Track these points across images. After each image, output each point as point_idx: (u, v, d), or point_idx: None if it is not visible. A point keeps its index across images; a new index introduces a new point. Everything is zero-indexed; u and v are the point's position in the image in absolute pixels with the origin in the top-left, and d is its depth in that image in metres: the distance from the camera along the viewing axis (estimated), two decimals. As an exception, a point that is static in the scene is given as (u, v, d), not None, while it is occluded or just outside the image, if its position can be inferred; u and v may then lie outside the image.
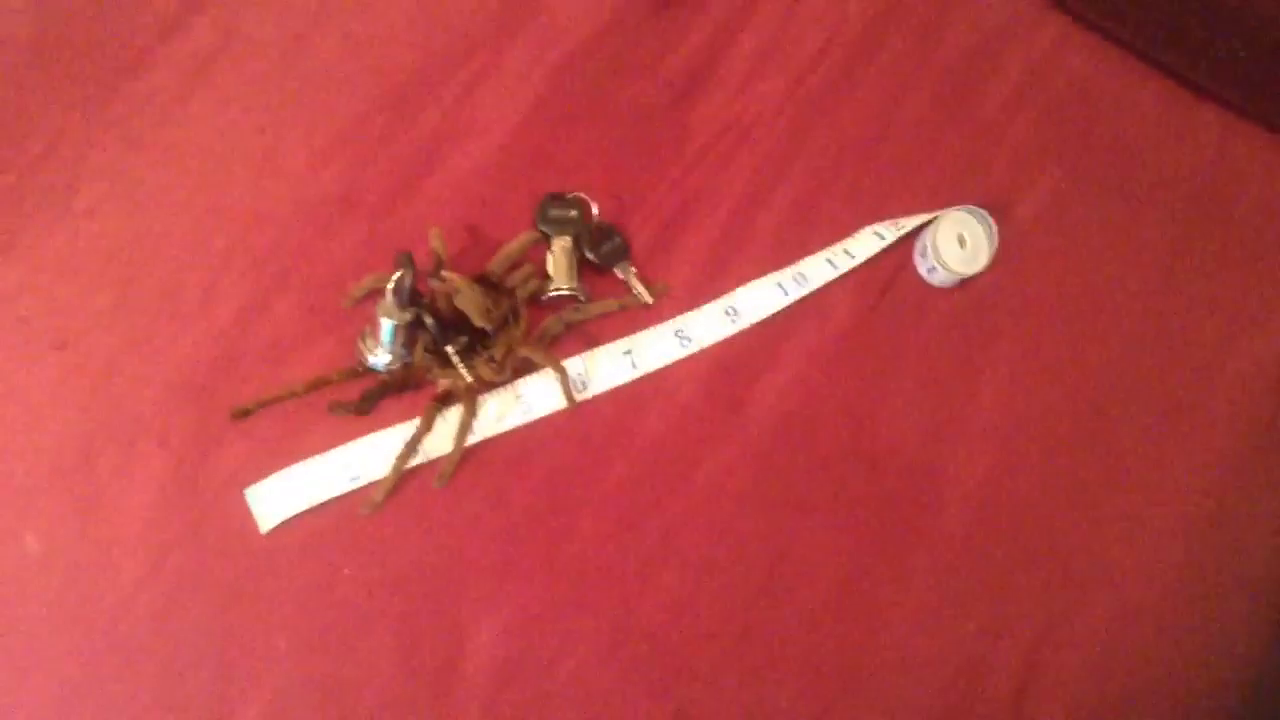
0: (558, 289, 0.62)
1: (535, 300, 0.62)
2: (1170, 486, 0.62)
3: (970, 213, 0.64)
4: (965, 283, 0.65)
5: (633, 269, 0.64)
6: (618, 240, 0.64)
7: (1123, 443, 0.63)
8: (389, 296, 0.57)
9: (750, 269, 0.65)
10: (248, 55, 0.67)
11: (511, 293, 0.60)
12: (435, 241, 0.60)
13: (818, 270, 0.64)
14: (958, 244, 0.64)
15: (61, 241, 0.61)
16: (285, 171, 0.64)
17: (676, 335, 0.63)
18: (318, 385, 0.58)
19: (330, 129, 0.66)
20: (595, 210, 0.65)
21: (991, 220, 0.64)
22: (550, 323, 0.61)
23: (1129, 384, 0.64)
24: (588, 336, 0.62)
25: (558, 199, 0.64)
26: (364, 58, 0.67)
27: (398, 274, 0.57)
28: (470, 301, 0.57)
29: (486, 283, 0.60)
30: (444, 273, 0.58)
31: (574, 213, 0.64)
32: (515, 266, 0.62)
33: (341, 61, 0.67)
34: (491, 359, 0.59)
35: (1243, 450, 0.63)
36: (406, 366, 0.59)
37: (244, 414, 0.58)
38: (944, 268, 0.63)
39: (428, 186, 0.65)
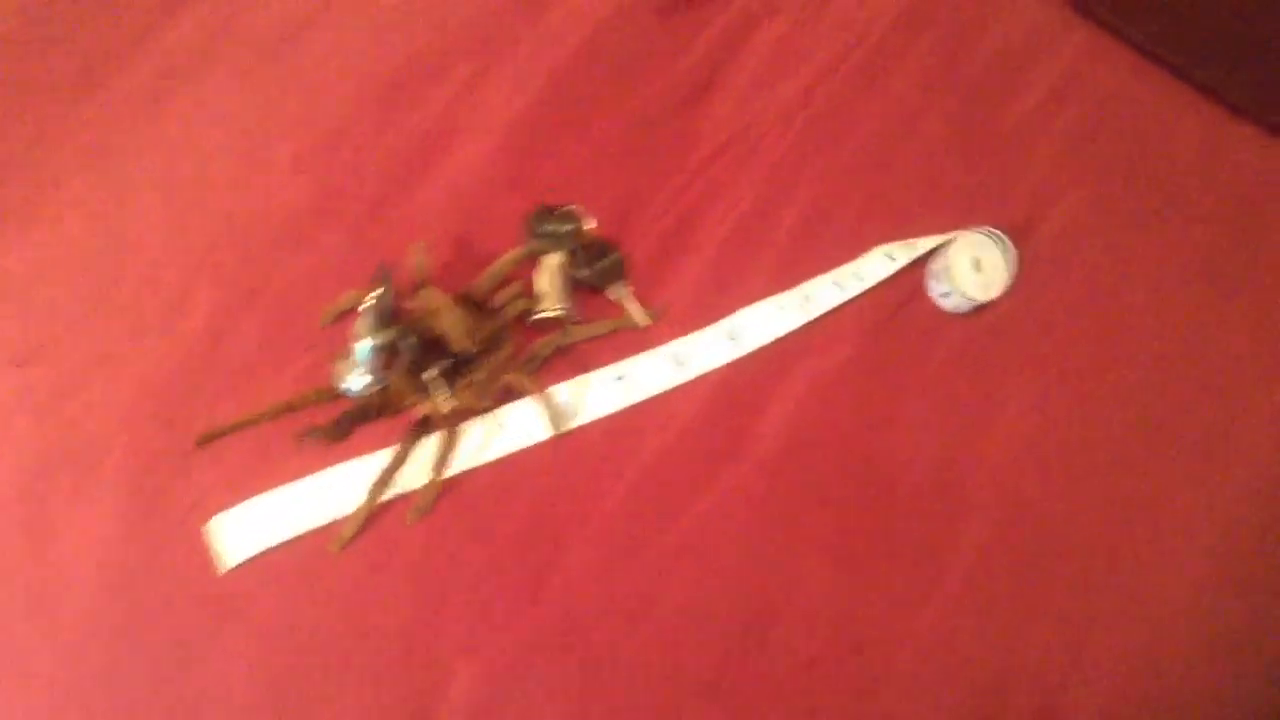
0: (546, 310, 0.58)
1: (523, 321, 0.58)
2: (1200, 521, 0.58)
3: (988, 235, 0.61)
4: (981, 309, 0.61)
5: (628, 288, 0.60)
6: (613, 256, 0.61)
7: (1150, 476, 0.59)
8: (367, 316, 0.54)
9: (754, 289, 0.61)
10: (234, 53, 0.63)
11: (497, 314, 0.57)
12: (417, 257, 0.57)
13: (825, 293, 0.61)
14: (974, 268, 0.60)
15: (31, 250, 0.58)
16: (265, 176, 0.61)
17: (674, 360, 0.59)
18: (289, 409, 0.55)
19: (315, 131, 0.63)
20: (590, 224, 0.61)
21: (1010, 243, 0.60)
22: (539, 346, 0.58)
23: (1157, 414, 0.60)
24: (579, 360, 0.59)
25: (550, 211, 0.61)
26: (353, 58, 0.64)
27: (377, 292, 0.54)
28: (452, 323, 0.54)
29: (471, 302, 0.56)
30: (425, 291, 0.55)
31: (567, 227, 0.60)
32: (503, 285, 0.58)
33: (330, 61, 0.64)
34: (474, 384, 0.55)
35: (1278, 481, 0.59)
36: (384, 390, 0.55)
37: (210, 439, 0.54)
38: (958, 293, 0.60)
39: (414, 195, 0.61)
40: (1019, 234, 0.61)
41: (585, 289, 0.60)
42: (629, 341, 0.59)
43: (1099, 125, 0.65)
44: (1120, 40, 0.67)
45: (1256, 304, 0.62)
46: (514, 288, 0.57)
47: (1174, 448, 0.60)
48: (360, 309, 0.54)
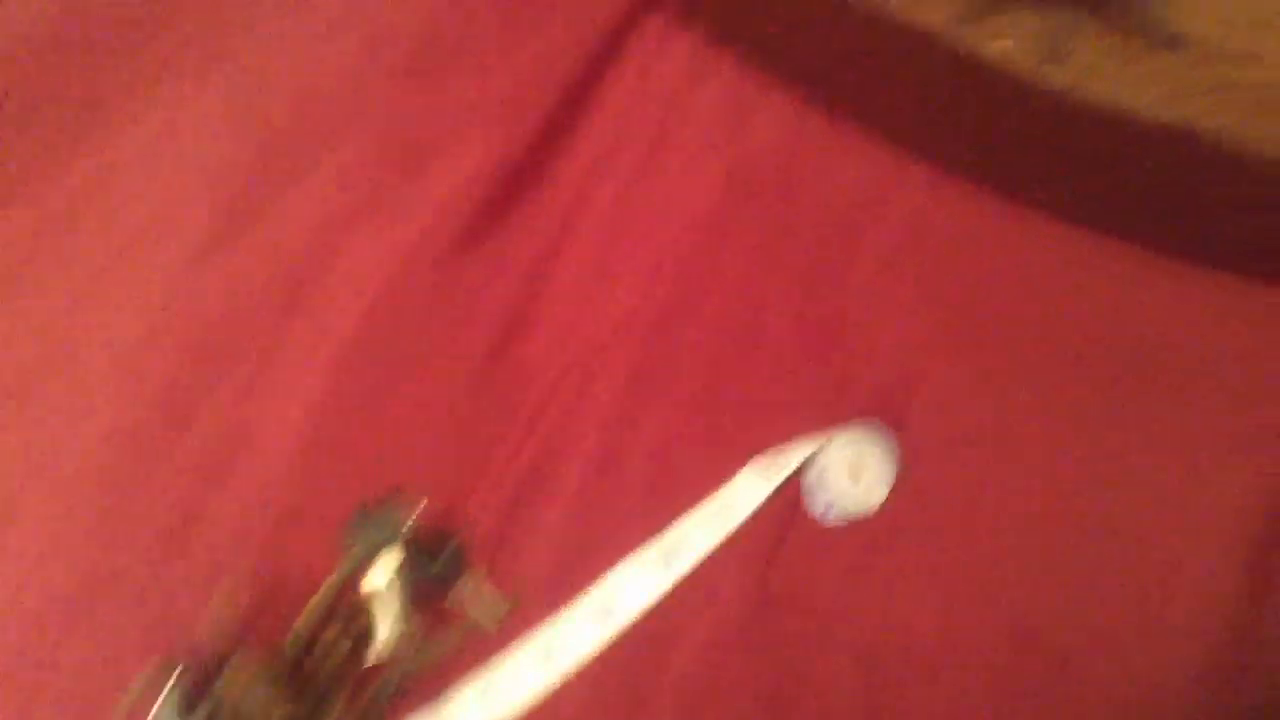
0: (380, 648, 0.50)
1: (356, 666, 0.50)
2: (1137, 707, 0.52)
3: (862, 431, 0.55)
4: (869, 512, 0.54)
5: (474, 581, 0.52)
6: (452, 547, 0.53)
7: (1085, 658, 0.52)
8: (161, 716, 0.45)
9: (617, 548, 0.53)
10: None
11: (323, 663, 0.49)
12: (218, 613, 0.49)
13: (697, 536, 0.54)
14: (852, 474, 0.54)
15: None
16: (19, 561, 0.52)
17: (542, 655, 0.52)
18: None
19: (73, 484, 0.54)
20: (418, 514, 0.53)
21: (888, 432, 0.54)
22: (381, 684, 0.50)
23: (1083, 585, 0.53)
24: (434, 679, 0.51)
25: (369, 513, 0.53)
26: (104, 385, 0.56)
27: (168, 685, 0.45)
28: (267, 701, 0.46)
29: (290, 659, 0.48)
30: (231, 662, 0.47)
31: (391, 526, 0.53)
32: (325, 622, 0.50)
33: (79, 393, 0.55)
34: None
35: (1212, 660, 0.53)
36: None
37: None
38: (841, 501, 0.54)
39: (206, 527, 0.53)
40: (894, 411, 0.55)
41: (427, 589, 0.52)
42: (489, 644, 0.52)
43: (952, 275, 0.59)
44: (962, 178, 0.61)
45: (1167, 439, 0.56)
46: (333, 631, 0.49)
47: (1107, 616, 0.53)
48: (153, 712, 0.45)
